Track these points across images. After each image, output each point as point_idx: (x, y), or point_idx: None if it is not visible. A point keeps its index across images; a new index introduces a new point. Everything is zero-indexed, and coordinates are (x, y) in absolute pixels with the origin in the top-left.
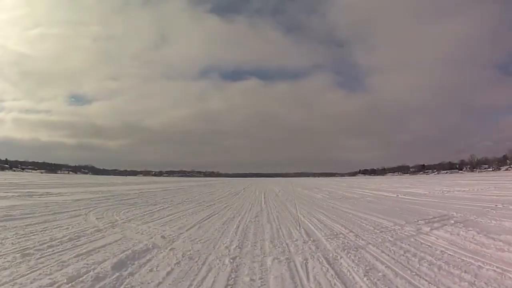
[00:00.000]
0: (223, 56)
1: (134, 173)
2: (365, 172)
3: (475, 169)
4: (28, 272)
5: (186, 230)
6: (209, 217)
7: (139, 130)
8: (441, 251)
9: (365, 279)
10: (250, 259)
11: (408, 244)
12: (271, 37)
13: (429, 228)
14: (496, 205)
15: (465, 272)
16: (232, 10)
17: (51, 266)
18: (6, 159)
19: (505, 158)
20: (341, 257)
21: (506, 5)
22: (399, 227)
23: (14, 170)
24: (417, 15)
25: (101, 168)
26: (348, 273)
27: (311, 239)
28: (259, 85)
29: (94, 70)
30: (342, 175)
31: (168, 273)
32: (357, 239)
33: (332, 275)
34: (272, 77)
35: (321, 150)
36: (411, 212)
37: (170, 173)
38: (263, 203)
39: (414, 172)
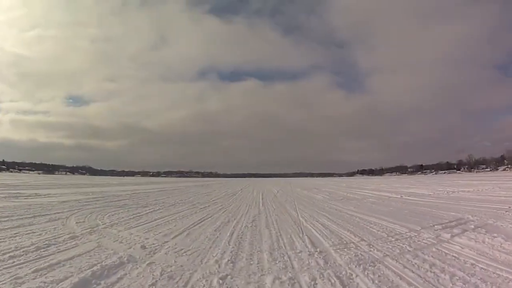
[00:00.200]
0: (221, 57)
1: (131, 173)
2: (363, 172)
3: (473, 169)
4: None
5: (172, 238)
6: (201, 222)
7: (137, 131)
8: (471, 264)
9: None
10: (245, 279)
11: (432, 256)
12: (270, 38)
13: (449, 234)
14: (510, 207)
15: None
16: (231, 10)
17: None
18: (3, 160)
19: (502, 158)
20: (356, 276)
21: (505, 5)
22: (415, 234)
23: (12, 171)
24: (416, 16)
25: (99, 169)
26: None
27: (318, 250)
28: (257, 85)
29: (92, 71)
30: (340, 175)
31: None
32: (372, 249)
33: None
34: (271, 78)
35: (319, 151)
36: (421, 215)
37: (168, 174)
38: (261, 205)
39: (412, 173)
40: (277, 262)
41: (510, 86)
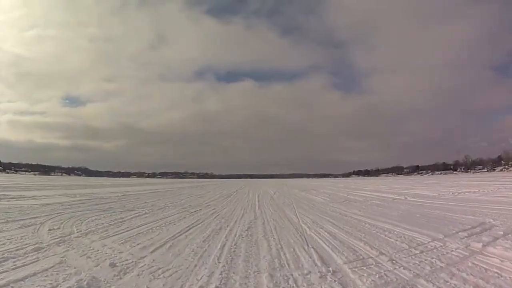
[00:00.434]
0: (219, 57)
1: (127, 174)
2: (358, 173)
3: (469, 170)
4: None
5: (152, 252)
6: (189, 229)
7: (134, 132)
8: None
9: None
10: None
11: (471, 273)
12: (268, 38)
13: (479, 244)
14: None
15: None
16: (229, 11)
17: None
18: (0, 161)
19: (499, 158)
20: None
21: (504, 6)
22: (440, 244)
23: (8, 172)
24: (416, 16)
25: (95, 169)
26: None
27: (330, 269)
28: (255, 86)
29: (91, 71)
30: (335, 176)
31: None
32: (396, 267)
33: None
34: (269, 78)
35: (315, 151)
36: (437, 219)
37: (164, 175)
38: (257, 208)
39: (408, 173)
40: None
41: (508, 87)
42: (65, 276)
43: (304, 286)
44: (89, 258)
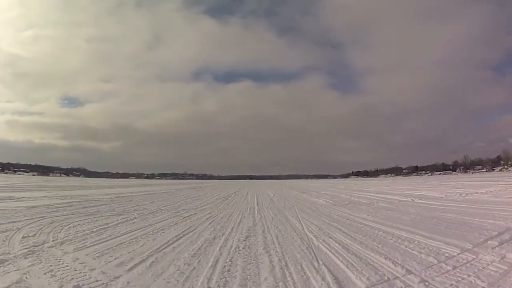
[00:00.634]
0: (217, 58)
1: (126, 175)
2: (357, 174)
3: (468, 170)
4: None
5: (128, 270)
6: (179, 239)
7: (133, 132)
8: None
9: None
10: None
11: None
12: (265, 39)
13: None
14: None
15: None
16: (226, 11)
17: None
18: None
19: (499, 158)
20: None
21: (501, 5)
22: (472, 256)
23: (6, 173)
24: (413, 15)
25: (94, 170)
26: None
27: None
28: (253, 86)
29: (88, 71)
30: (334, 177)
31: None
32: None
33: None
34: (266, 79)
35: (313, 152)
36: (456, 224)
37: (163, 176)
38: (256, 212)
39: (407, 174)
40: None
41: (505, 86)
42: None
43: None
44: (53, 277)
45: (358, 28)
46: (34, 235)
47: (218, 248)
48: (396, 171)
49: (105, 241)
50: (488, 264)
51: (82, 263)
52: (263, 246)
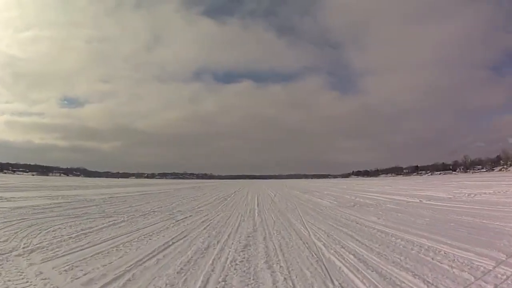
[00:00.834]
0: (217, 58)
1: (126, 175)
2: (358, 173)
3: (468, 170)
4: None
5: None
6: (167, 248)
7: (133, 132)
8: None
9: None
10: None
11: None
12: (264, 39)
13: None
14: None
15: None
16: (225, 12)
17: None
18: None
19: (498, 158)
20: None
21: (498, 5)
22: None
23: (5, 173)
24: (412, 16)
25: (94, 170)
26: None
27: None
28: (253, 87)
29: (87, 72)
30: (335, 176)
31: None
32: None
33: None
34: (266, 79)
35: (313, 152)
36: (479, 230)
37: (163, 175)
38: (256, 215)
39: (407, 174)
40: None
41: (504, 86)
42: None
43: None
44: None
45: (357, 28)
46: (5, 241)
47: (210, 262)
48: (397, 171)
49: (81, 249)
50: None
51: (44, 279)
52: (264, 259)
